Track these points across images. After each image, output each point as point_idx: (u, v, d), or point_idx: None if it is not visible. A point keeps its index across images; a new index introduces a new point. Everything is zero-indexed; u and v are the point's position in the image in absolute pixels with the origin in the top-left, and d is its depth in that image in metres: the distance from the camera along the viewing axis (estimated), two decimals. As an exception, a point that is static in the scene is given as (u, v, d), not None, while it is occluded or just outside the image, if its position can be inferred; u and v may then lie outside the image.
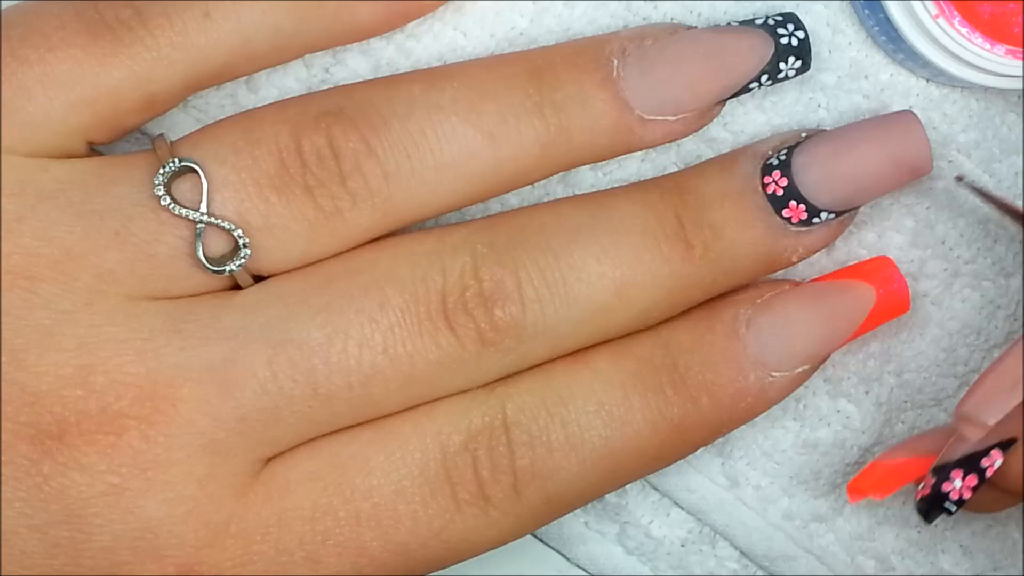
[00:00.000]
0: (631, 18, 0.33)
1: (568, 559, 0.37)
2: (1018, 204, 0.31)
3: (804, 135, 0.32)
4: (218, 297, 0.29)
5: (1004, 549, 0.36)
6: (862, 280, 0.32)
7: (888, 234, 0.34)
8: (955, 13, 0.31)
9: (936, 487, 0.30)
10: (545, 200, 0.33)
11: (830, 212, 0.31)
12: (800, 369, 0.31)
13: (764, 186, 0.31)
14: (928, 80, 0.33)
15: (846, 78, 0.33)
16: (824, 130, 0.32)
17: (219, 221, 0.28)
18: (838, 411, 0.35)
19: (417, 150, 0.29)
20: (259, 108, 0.30)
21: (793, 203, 0.31)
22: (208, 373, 0.28)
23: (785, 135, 0.32)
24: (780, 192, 0.31)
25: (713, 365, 0.30)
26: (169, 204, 0.28)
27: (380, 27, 0.31)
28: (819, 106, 0.33)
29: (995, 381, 0.30)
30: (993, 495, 0.31)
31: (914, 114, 0.31)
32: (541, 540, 0.37)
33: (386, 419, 0.30)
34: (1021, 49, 0.31)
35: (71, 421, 0.27)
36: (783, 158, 0.31)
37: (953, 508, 0.30)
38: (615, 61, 0.30)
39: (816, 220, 0.31)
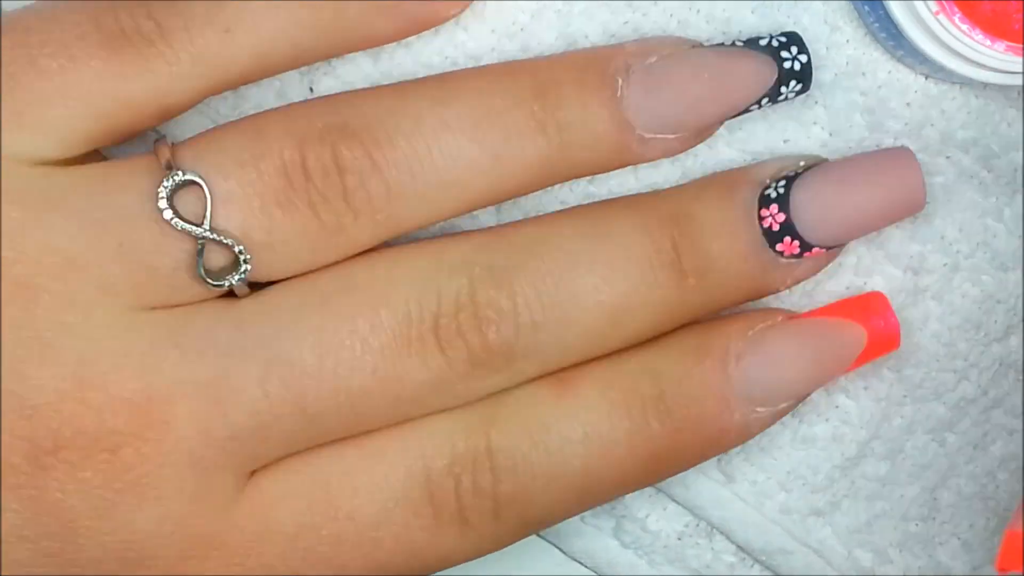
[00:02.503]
0: (631, 15, 0.33)
1: (565, 553, 0.37)
2: None
3: (803, 163, 0.32)
4: (215, 307, 0.29)
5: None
6: (855, 315, 0.33)
7: (887, 230, 0.34)
8: (955, 10, 0.31)
9: None
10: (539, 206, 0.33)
11: (821, 247, 0.32)
12: (784, 404, 0.32)
13: (761, 219, 0.31)
14: (927, 77, 0.34)
15: (843, 76, 0.34)
16: (823, 161, 0.32)
17: (221, 238, 0.29)
18: (836, 406, 0.35)
19: (422, 168, 0.29)
20: (263, 115, 0.30)
21: (788, 239, 0.31)
22: (202, 389, 0.28)
23: (784, 161, 0.32)
24: (776, 227, 0.31)
25: (700, 400, 0.31)
26: (172, 219, 0.28)
27: (396, 37, 0.31)
28: (816, 103, 0.33)
29: None
30: None
31: (911, 152, 0.32)
32: (537, 534, 0.37)
33: (372, 435, 0.30)
34: (1021, 45, 0.31)
35: (67, 436, 0.27)
36: (781, 191, 0.31)
37: None
38: (619, 80, 0.30)
39: (807, 254, 0.31)
